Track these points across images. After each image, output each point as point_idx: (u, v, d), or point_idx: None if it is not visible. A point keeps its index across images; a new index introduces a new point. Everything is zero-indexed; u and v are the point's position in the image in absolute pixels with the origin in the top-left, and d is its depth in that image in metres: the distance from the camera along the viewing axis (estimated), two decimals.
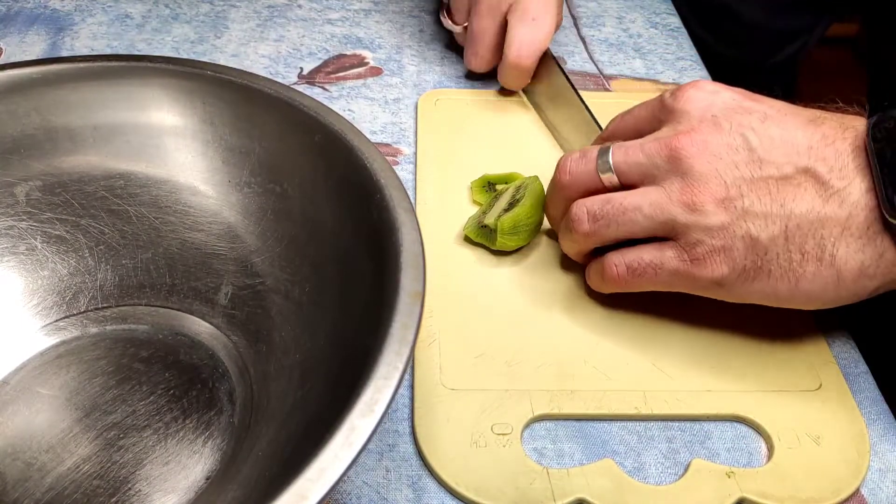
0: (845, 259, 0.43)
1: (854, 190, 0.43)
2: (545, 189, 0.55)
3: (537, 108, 0.70)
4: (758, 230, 0.44)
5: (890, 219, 0.41)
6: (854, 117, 0.46)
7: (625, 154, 0.48)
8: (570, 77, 0.66)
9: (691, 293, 0.48)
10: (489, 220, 0.54)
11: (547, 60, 0.68)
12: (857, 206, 0.43)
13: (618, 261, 0.49)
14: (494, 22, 0.68)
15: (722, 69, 0.78)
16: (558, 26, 0.70)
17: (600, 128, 0.61)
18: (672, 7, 0.85)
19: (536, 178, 0.56)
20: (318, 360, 0.42)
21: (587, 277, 0.53)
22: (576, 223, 0.50)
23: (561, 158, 0.52)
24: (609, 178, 0.49)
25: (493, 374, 0.48)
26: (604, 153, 0.49)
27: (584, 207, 0.49)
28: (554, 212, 0.54)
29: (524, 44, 0.66)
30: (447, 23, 0.74)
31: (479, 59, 0.71)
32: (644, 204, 0.47)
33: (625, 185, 0.49)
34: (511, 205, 0.54)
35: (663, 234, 0.47)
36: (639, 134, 0.50)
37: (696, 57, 0.78)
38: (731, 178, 0.45)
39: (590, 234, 0.49)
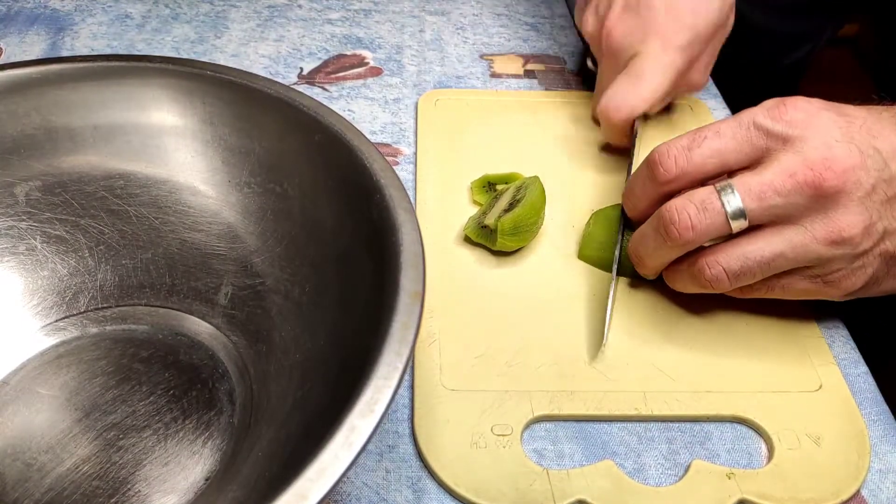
0: None
1: None
2: (544, 189, 0.55)
3: None
4: (894, 246, 0.44)
5: None
6: None
7: (759, 198, 0.44)
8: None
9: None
10: (490, 220, 0.54)
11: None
12: None
13: (713, 264, 0.47)
14: (613, 73, 0.63)
15: (726, 72, 0.78)
16: (675, 94, 0.65)
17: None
18: None
19: (537, 178, 0.56)
20: (318, 360, 0.41)
21: (671, 281, 0.51)
22: (714, 283, 0.47)
23: (669, 212, 0.46)
24: (740, 225, 0.45)
25: (493, 374, 0.48)
26: (728, 196, 0.45)
27: (719, 267, 0.46)
28: (658, 263, 0.50)
29: (612, 98, 0.61)
30: (591, 65, 0.71)
31: (594, 104, 0.66)
32: (787, 250, 0.44)
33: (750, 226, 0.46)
34: (511, 205, 0.54)
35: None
36: (727, 169, 0.46)
37: None
38: (871, 204, 0.43)
39: (728, 288, 0.48)
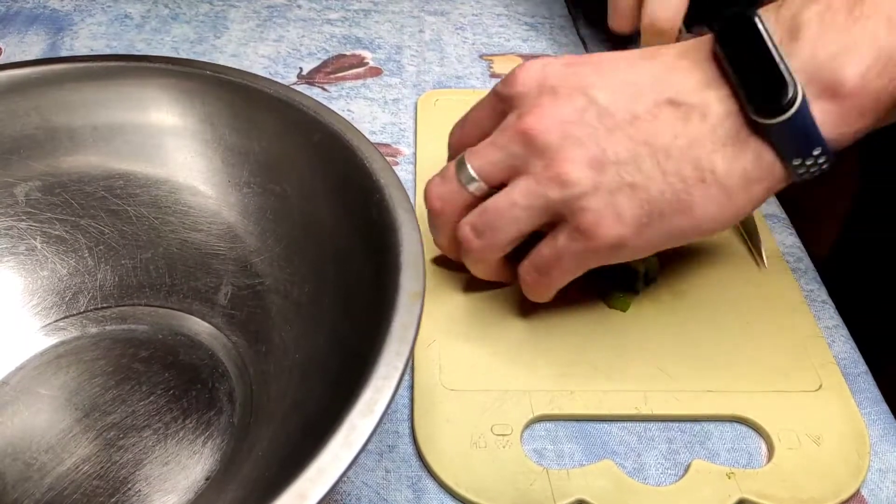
0: (726, 171, 0.42)
1: (712, 101, 0.42)
2: None
3: None
4: (631, 175, 0.43)
5: (756, 118, 0.41)
6: (695, 39, 0.45)
7: (480, 157, 0.46)
8: None
9: (605, 265, 0.47)
10: None
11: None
12: (720, 116, 0.42)
13: (527, 267, 0.48)
14: None
15: None
16: None
17: None
18: None
19: None
20: (318, 360, 0.41)
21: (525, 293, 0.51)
22: (466, 244, 0.47)
23: (426, 187, 0.49)
24: (477, 188, 0.46)
25: (492, 374, 0.48)
26: (461, 165, 0.47)
27: (466, 226, 0.47)
28: (444, 241, 0.51)
29: (658, 6, 0.61)
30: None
31: (619, 16, 0.67)
32: (516, 197, 0.45)
33: (496, 189, 0.46)
34: None
35: (552, 221, 0.45)
36: (486, 136, 0.47)
37: None
38: (587, 138, 0.43)
39: (483, 248, 0.47)
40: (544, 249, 0.46)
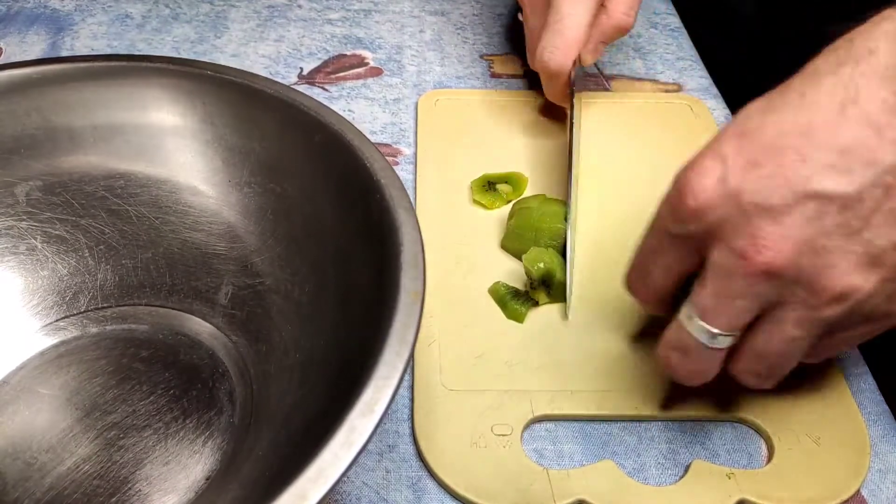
0: None
1: None
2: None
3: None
4: None
5: None
6: (872, 32, 0.36)
7: (722, 314, 0.38)
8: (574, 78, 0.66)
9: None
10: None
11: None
12: None
13: (744, 375, 0.42)
14: (539, 21, 0.62)
15: (721, 69, 0.78)
16: (605, 36, 0.63)
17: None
18: (672, 7, 0.85)
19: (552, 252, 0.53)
20: (318, 360, 0.42)
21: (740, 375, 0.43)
22: (758, 385, 0.42)
23: (663, 357, 0.42)
24: (724, 341, 0.39)
25: (493, 374, 0.48)
26: (699, 332, 0.39)
27: (749, 376, 0.41)
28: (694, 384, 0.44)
29: (545, 49, 0.60)
30: (521, 17, 0.69)
31: (529, 54, 0.66)
32: (792, 332, 0.38)
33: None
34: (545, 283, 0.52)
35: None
36: (681, 279, 0.42)
37: (696, 57, 0.78)
38: (844, 241, 0.36)
39: (771, 384, 0.42)
40: (829, 348, 0.41)
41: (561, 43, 0.60)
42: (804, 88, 0.37)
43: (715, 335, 0.39)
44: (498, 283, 0.53)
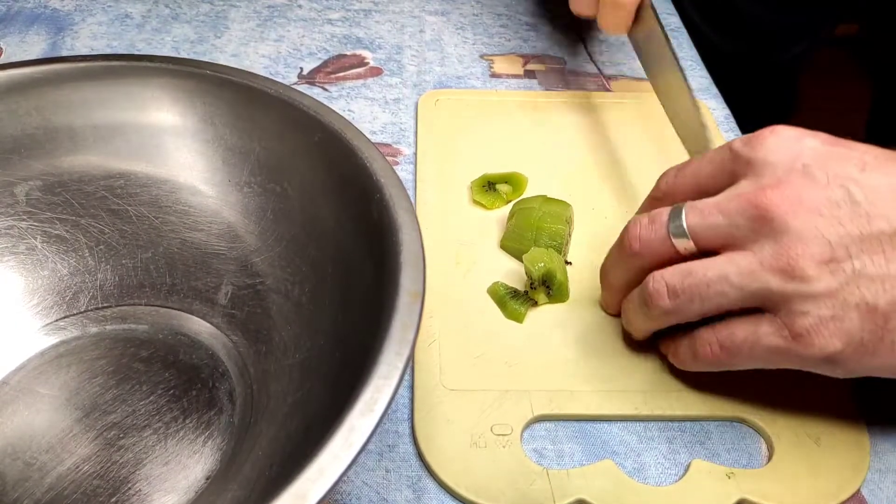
0: None
1: None
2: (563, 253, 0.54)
3: (641, 58, 0.64)
4: (874, 296, 0.38)
5: None
6: None
7: (701, 216, 0.42)
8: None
9: (798, 369, 0.42)
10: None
11: (645, 9, 0.62)
12: None
13: (710, 339, 0.43)
14: None
15: (725, 69, 0.78)
16: None
17: (690, 90, 0.55)
18: (672, 7, 0.85)
19: (552, 252, 0.54)
20: (318, 360, 0.42)
21: (672, 354, 0.47)
22: (654, 299, 0.44)
23: (628, 224, 0.46)
24: (684, 245, 0.43)
25: (492, 374, 0.48)
26: (676, 216, 0.43)
27: (662, 282, 0.43)
28: (616, 281, 0.48)
29: None
30: None
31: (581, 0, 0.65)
32: (731, 273, 0.40)
33: (702, 252, 0.43)
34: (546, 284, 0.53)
35: (756, 305, 0.41)
36: (702, 191, 0.44)
37: (696, 57, 0.78)
38: (834, 237, 0.38)
39: (670, 311, 0.43)
40: (739, 332, 0.42)
41: None
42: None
43: (682, 230, 0.42)
44: (497, 283, 0.53)
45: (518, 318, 0.51)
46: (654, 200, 0.48)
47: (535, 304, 0.52)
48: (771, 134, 0.42)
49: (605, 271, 0.50)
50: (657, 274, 0.44)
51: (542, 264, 0.51)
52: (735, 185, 0.42)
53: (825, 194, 0.39)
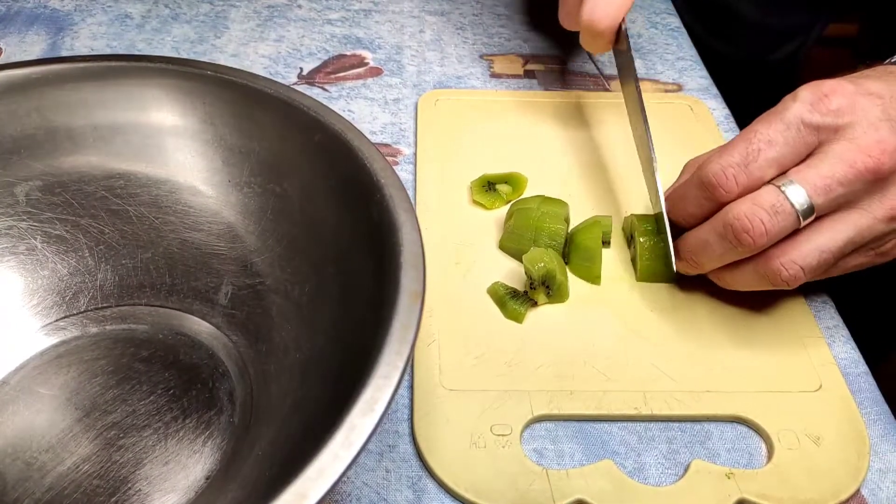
0: None
1: None
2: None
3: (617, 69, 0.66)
4: None
5: None
6: None
7: (825, 192, 0.45)
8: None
9: None
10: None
11: (622, 36, 0.62)
12: None
13: (790, 264, 0.46)
14: None
15: (721, 69, 0.78)
16: None
17: (645, 118, 0.57)
18: (672, 7, 0.86)
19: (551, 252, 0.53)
20: (318, 359, 0.42)
21: (748, 281, 0.49)
22: (792, 282, 0.47)
23: (739, 217, 0.46)
24: (809, 220, 0.46)
25: (492, 374, 0.48)
26: (795, 194, 0.45)
27: (796, 266, 0.46)
28: (717, 266, 0.50)
29: (596, 7, 0.59)
30: None
31: (565, 14, 0.65)
32: (854, 235, 0.45)
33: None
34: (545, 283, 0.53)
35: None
36: (783, 170, 0.46)
37: (696, 57, 0.78)
38: None
39: (805, 281, 0.47)
40: (827, 252, 0.46)
41: (614, 2, 0.59)
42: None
43: (810, 209, 0.45)
44: (497, 283, 0.53)
45: (518, 318, 0.51)
46: (728, 201, 0.48)
47: (535, 304, 0.52)
48: (834, 96, 0.45)
49: (704, 261, 0.50)
50: (787, 260, 0.46)
51: (542, 264, 0.51)
52: (826, 152, 0.45)
53: None
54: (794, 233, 0.46)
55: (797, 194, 0.45)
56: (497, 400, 0.47)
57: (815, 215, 0.45)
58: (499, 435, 0.45)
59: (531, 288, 0.52)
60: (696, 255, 0.50)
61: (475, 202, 0.59)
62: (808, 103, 0.46)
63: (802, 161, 0.46)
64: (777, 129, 0.46)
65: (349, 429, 0.30)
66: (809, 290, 0.55)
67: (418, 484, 0.44)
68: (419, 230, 0.38)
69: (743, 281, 0.49)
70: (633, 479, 0.44)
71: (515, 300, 0.52)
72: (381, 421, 0.31)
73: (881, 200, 0.45)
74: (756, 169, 0.46)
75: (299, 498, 0.28)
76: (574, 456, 0.45)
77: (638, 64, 0.76)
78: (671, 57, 0.78)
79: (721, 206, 0.48)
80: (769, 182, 0.46)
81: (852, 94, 0.45)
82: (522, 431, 0.46)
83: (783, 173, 0.46)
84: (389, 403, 0.31)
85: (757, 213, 0.45)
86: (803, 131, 0.46)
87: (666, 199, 0.51)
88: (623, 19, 0.60)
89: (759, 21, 0.94)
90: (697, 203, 0.49)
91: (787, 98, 0.47)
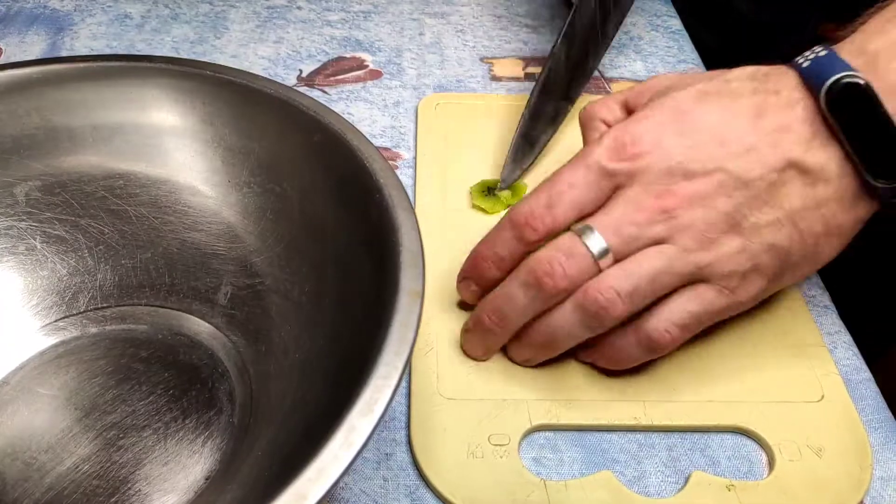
0: (851, 225, 0.46)
1: (832, 165, 0.44)
2: None
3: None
4: (772, 237, 0.45)
5: (874, 183, 0.44)
6: (780, 79, 0.47)
7: (617, 235, 0.45)
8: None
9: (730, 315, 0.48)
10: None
11: None
12: (842, 178, 0.44)
13: (665, 326, 0.46)
14: None
15: (717, 68, 0.78)
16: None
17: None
18: (673, 9, 0.86)
19: None
20: (318, 360, 0.41)
21: (608, 359, 0.48)
22: (609, 310, 0.45)
23: (540, 261, 0.46)
24: (607, 262, 0.45)
25: (490, 383, 0.48)
26: (589, 237, 0.45)
27: (611, 290, 0.45)
28: (520, 322, 0.48)
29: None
30: None
31: None
32: (666, 265, 0.45)
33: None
34: None
35: (687, 282, 0.46)
36: (585, 212, 0.47)
37: (698, 59, 0.78)
38: (732, 209, 0.45)
39: (623, 314, 0.45)
40: (692, 307, 0.46)
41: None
42: (730, 97, 0.47)
43: (606, 251, 0.45)
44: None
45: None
46: (535, 242, 0.47)
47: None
48: (636, 140, 0.46)
49: (509, 314, 0.48)
50: (597, 288, 0.45)
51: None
52: (619, 196, 0.46)
53: (711, 183, 0.45)
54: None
55: (590, 237, 0.45)
56: (495, 409, 0.47)
57: (612, 256, 0.45)
58: (497, 445, 0.45)
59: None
60: (499, 310, 0.48)
61: (476, 207, 0.59)
62: (609, 150, 0.46)
63: (602, 205, 0.47)
64: (579, 174, 0.47)
65: (349, 429, 0.30)
66: (811, 295, 0.55)
67: (416, 493, 0.44)
68: (419, 230, 0.38)
69: (563, 322, 0.47)
70: (632, 489, 0.44)
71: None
72: (381, 421, 0.31)
73: (694, 238, 0.45)
74: (559, 212, 0.47)
75: (299, 498, 0.28)
76: (573, 465, 0.45)
77: (639, 66, 0.76)
78: (672, 59, 0.78)
79: (528, 251, 0.48)
80: (569, 227, 0.47)
81: (656, 141, 0.46)
82: (520, 441, 0.45)
83: (583, 218, 0.47)
84: (389, 403, 0.31)
85: (556, 256, 0.45)
86: (601, 176, 0.46)
87: (482, 241, 0.50)
88: None
89: (750, 15, 0.94)
90: (507, 245, 0.48)
91: (594, 140, 0.48)
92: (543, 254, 0.46)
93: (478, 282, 0.50)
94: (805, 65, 0.45)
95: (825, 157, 0.44)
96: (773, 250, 0.45)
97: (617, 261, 0.45)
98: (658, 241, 0.45)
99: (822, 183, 0.44)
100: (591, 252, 0.45)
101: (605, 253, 0.45)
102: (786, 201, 0.45)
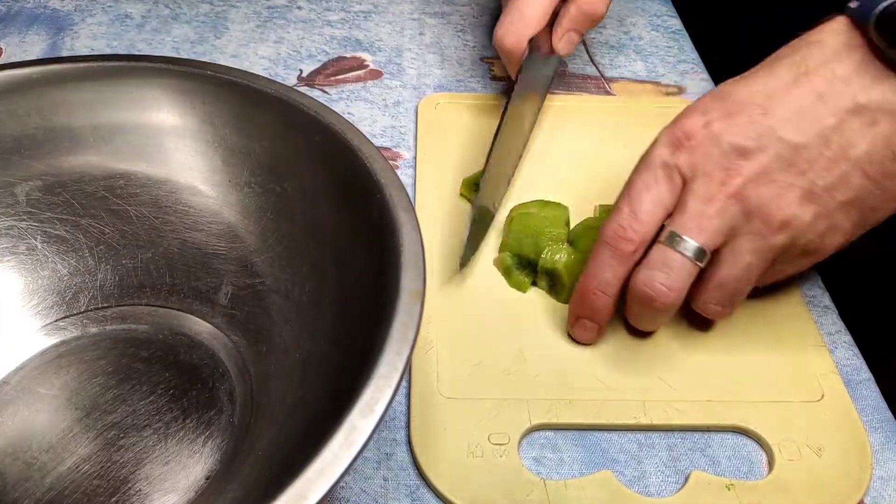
0: None
1: (890, 96, 0.44)
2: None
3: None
4: (843, 194, 0.45)
5: None
6: (822, 28, 0.47)
7: (702, 230, 0.46)
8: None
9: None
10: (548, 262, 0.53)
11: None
12: None
13: (711, 297, 0.48)
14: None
15: (724, 72, 0.78)
16: (578, 24, 0.64)
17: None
18: (673, 9, 0.85)
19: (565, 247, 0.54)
20: (318, 359, 0.41)
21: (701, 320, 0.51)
22: (718, 315, 0.49)
23: (640, 287, 0.47)
24: (704, 259, 0.46)
25: (490, 382, 0.48)
26: (682, 244, 0.46)
27: (710, 305, 0.48)
28: (655, 328, 0.51)
29: (501, 26, 0.62)
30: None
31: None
32: (749, 259, 0.46)
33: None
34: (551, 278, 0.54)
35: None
36: (666, 204, 0.47)
37: (698, 59, 0.78)
38: (794, 178, 0.45)
39: (729, 313, 0.49)
40: (771, 276, 0.49)
41: (517, 21, 0.61)
42: (770, 65, 0.48)
43: (701, 251, 0.45)
44: (504, 253, 0.54)
45: (522, 287, 0.53)
46: (633, 253, 0.48)
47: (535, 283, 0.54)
48: (686, 136, 0.47)
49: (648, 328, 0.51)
50: (701, 301, 0.48)
51: (559, 256, 0.53)
52: (688, 191, 0.47)
53: (767, 157, 0.45)
54: (703, 273, 0.47)
55: (680, 243, 0.46)
56: (495, 408, 0.47)
57: (709, 253, 0.46)
58: (496, 444, 0.45)
59: (535, 272, 0.53)
60: (640, 325, 0.51)
61: (461, 195, 0.60)
62: (666, 147, 0.48)
63: (678, 202, 0.47)
64: (649, 176, 0.48)
65: (349, 429, 0.30)
66: (811, 295, 0.55)
67: (416, 493, 0.44)
68: (419, 230, 0.38)
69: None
70: (632, 489, 0.44)
71: (521, 270, 0.53)
72: (381, 421, 0.31)
73: (766, 220, 0.45)
74: (644, 214, 0.47)
75: (299, 498, 0.28)
76: (573, 464, 0.45)
77: (639, 66, 0.76)
78: (672, 59, 0.78)
79: (629, 269, 0.48)
80: (657, 237, 0.47)
81: (703, 127, 0.47)
82: (520, 440, 0.45)
83: (666, 221, 0.47)
84: (390, 403, 0.31)
85: (654, 276, 0.46)
86: (668, 171, 0.47)
87: (583, 275, 0.50)
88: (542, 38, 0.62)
89: (761, 23, 0.94)
90: (609, 267, 0.48)
91: (652, 144, 0.49)
92: (642, 278, 0.47)
93: (592, 317, 0.49)
94: (853, 5, 0.45)
95: (880, 91, 0.44)
96: (847, 206, 0.46)
97: (713, 255, 0.46)
98: (738, 229, 0.46)
99: (883, 117, 0.44)
100: (688, 258, 0.46)
101: (700, 253, 0.46)
102: (850, 150, 0.45)
